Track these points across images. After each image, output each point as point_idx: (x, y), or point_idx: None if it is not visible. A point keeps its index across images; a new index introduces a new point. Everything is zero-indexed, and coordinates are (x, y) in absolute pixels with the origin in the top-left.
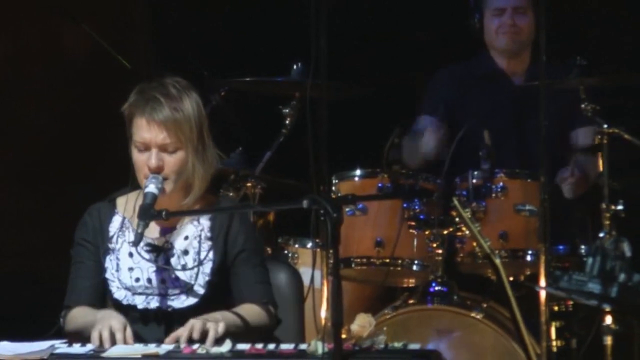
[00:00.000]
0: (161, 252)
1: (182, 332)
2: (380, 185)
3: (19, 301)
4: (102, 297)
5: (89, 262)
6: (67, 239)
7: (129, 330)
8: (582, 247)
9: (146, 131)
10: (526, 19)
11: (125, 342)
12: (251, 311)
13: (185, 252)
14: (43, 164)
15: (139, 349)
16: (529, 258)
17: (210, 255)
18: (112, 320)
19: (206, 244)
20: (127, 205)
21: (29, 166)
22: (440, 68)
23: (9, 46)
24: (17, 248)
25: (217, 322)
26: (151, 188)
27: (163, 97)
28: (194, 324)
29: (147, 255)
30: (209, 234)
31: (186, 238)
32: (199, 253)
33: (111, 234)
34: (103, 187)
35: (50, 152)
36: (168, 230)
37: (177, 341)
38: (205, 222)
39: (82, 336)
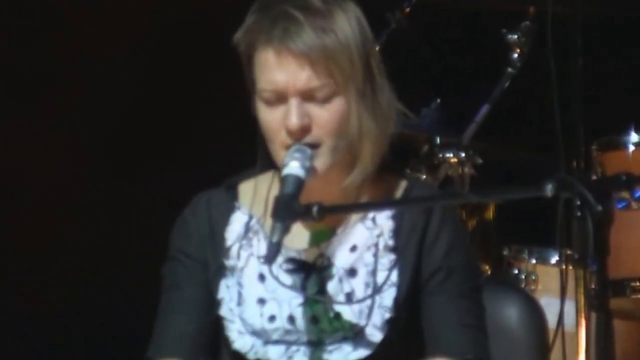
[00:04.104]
0: (312, 273)
1: None
2: None
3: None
4: (209, 346)
5: (189, 289)
6: (151, 234)
7: None
8: None
9: (277, 69)
10: None
11: None
12: None
13: (352, 273)
14: (118, 133)
15: None
16: None
17: (394, 276)
18: None
19: (387, 259)
20: (255, 196)
21: (98, 136)
22: None
23: None
24: (97, 242)
25: None
26: (293, 168)
27: (301, 12)
28: None
29: (288, 279)
30: (391, 242)
31: (354, 249)
32: (374, 273)
33: (230, 242)
34: (208, 166)
35: (131, 115)
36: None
37: None
38: (384, 221)
39: None
